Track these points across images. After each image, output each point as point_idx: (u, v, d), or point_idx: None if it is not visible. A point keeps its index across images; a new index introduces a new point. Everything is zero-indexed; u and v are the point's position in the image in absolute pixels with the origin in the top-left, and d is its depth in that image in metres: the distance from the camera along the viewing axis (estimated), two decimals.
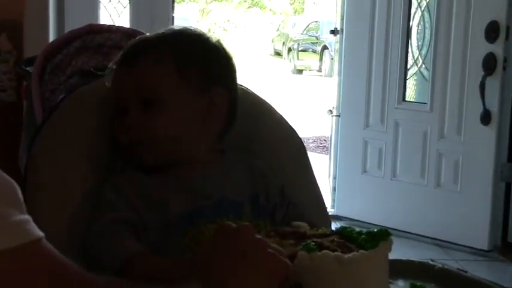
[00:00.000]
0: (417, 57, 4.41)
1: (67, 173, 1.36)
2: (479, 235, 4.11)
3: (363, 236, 1.05)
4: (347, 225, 1.12)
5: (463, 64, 4.11)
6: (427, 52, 4.33)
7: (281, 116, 1.60)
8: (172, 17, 3.98)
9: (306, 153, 1.61)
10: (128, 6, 3.85)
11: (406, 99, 4.47)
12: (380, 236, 1.05)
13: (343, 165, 4.72)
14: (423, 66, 4.38)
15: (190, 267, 1.00)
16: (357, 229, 1.10)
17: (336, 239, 1.06)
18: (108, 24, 2.14)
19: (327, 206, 1.70)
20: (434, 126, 4.29)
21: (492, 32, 3.95)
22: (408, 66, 4.44)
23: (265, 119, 1.56)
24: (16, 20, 3.42)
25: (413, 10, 4.38)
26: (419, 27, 4.39)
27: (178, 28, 1.41)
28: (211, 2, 26.63)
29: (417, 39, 4.41)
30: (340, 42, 4.70)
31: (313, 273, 1.01)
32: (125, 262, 1.16)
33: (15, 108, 3.28)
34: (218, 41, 1.40)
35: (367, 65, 4.50)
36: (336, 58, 4.88)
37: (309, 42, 18.70)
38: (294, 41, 19.50)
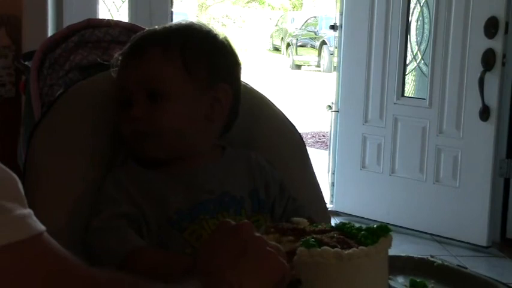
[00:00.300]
0: (416, 53, 4.41)
1: (66, 168, 1.36)
2: (478, 231, 4.11)
3: (363, 232, 1.05)
4: (347, 221, 1.11)
5: (462, 60, 4.11)
6: (426, 47, 4.33)
7: (281, 111, 1.60)
8: (171, 12, 3.97)
9: (306, 149, 1.60)
10: (127, 1, 3.84)
11: (405, 94, 4.46)
12: (380, 232, 1.05)
13: (342, 160, 4.72)
14: (422, 61, 4.37)
15: (191, 262, 1.00)
16: (357, 225, 1.10)
17: (335, 235, 1.06)
18: (107, 19, 2.13)
19: (325, 201, 1.70)
20: (433, 122, 4.28)
21: (491, 27, 3.94)
22: (407, 62, 4.44)
23: (264, 114, 1.56)
24: (15, 14, 3.42)
25: (412, 5, 4.38)
26: (419, 23, 4.39)
27: (186, 23, 1.40)
28: None
29: (416, 34, 4.41)
30: (339, 38, 4.69)
31: (312, 269, 1.01)
32: (126, 257, 1.16)
33: (14, 103, 3.28)
34: (225, 38, 1.40)
35: (366, 60, 4.49)
36: (335, 54, 4.87)
37: (307, 37, 18.70)
38: (292, 36, 19.49)
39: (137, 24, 1.77)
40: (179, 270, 1.02)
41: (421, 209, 4.35)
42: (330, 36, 14.19)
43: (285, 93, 11.44)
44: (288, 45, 19.62)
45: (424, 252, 3.84)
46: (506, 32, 3.93)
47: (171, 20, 3.95)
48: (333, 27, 4.79)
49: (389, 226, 1.08)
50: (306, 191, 1.53)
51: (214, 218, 1.28)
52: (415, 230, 4.31)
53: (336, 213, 4.57)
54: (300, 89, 13.68)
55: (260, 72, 14.85)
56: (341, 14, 4.64)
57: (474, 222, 4.12)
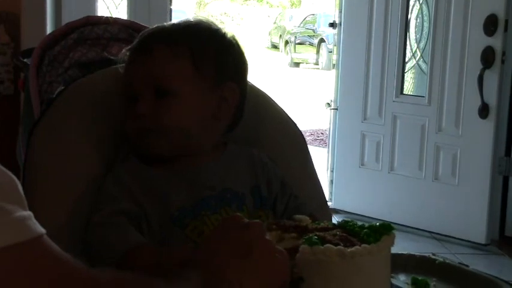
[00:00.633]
0: (415, 50, 4.40)
1: (66, 166, 1.35)
2: (477, 229, 4.11)
3: (365, 230, 1.05)
4: (349, 219, 1.11)
5: (461, 57, 4.10)
6: (426, 45, 4.32)
7: (282, 109, 1.60)
8: (170, 9, 3.97)
9: (307, 147, 1.61)
10: None
11: (404, 92, 4.46)
12: (382, 230, 1.05)
13: (341, 158, 4.71)
14: (421, 59, 4.37)
15: (191, 256, 0.99)
16: (359, 223, 1.10)
17: (338, 233, 1.06)
18: (105, 16, 2.13)
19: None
20: (432, 120, 4.28)
21: (490, 25, 3.94)
22: (406, 59, 4.43)
23: (267, 112, 1.56)
24: (13, 12, 3.41)
25: (411, 3, 4.37)
26: (418, 20, 4.38)
27: (195, 21, 1.39)
28: None
29: (415, 32, 4.40)
30: (339, 35, 4.69)
31: (315, 267, 1.01)
32: (125, 253, 1.15)
33: (13, 100, 3.28)
34: (233, 37, 1.39)
35: (365, 58, 4.49)
36: (334, 51, 4.86)
37: (306, 35, 18.69)
38: (291, 34, 19.48)
39: (136, 21, 1.76)
40: (180, 265, 1.01)
41: (420, 207, 4.35)
42: (329, 33, 14.22)
43: (283, 91, 11.43)
44: (287, 42, 19.61)
45: (423, 250, 3.84)
46: (505, 29, 3.93)
47: (170, 17, 3.95)
48: (332, 24, 4.79)
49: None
50: (307, 188, 1.53)
51: (217, 213, 1.28)
52: (414, 228, 4.31)
53: (335, 211, 4.56)
54: (299, 86, 13.68)
55: (258, 70, 14.84)
56: (340, 12, 4.63)
57: (473, 220, 4.12)
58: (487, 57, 3.96)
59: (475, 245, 4.12)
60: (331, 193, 4.71)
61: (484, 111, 4.01)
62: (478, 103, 4.01)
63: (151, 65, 1.29)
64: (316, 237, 1.03)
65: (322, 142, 8.09)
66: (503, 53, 3.95)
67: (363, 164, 4.59)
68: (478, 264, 3.68)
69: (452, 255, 3.84)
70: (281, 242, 1.06)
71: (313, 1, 25.00)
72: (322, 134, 8.61)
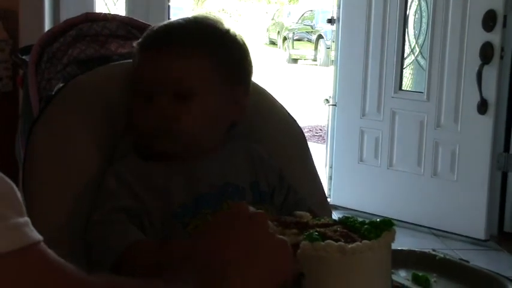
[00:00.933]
0: (414, 46, 4.40)
1: (66, 164, 1.34)
2: (476, 224, 4.12)
3: (366, 226, 1.05)
4: (350, 215, 1.11)
5: (460, 53, 4.10)
6: (424, 41, 4.32)
7: (282, 106, 1.60)
8: (168, 6, 3.97)
9: (307, 143, 1.61)
10: None
11: (403, 88, 4.46)
12: (383, 226, 1.05)
13: (340, 154, 4.71)
14: (420, 55, 4.37)
15: (191, 252, 0.97)
16: (360, 219, 1.09)
17: (338, 229, 1.06)
18: (104, 12, 2.12)
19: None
20: (431, 116, 4.28)
21: (489, 20, 3.94)
22: (405, 55, 4.43)
23: (267, 109, 1.56)
24: (11, 9, 3.41)
25: None
26: (416, 16, 4.38)
27: (209, 18, 1.37)
28: None
29: (414, 28, 4.40)
30: (337, 31, 4.68)
31: (316, 263, 1.01)
32: (125, 251, 1.15)
33: (11, 97, 3.28)
34: (241, 37, 1.39)
35: (364, 54, 4.48)
36: (333, 47, 4.86)
37: (304, 31, 18.68)
38: (289, 30, 19.46)
39: (134, 18, 1.76)
40: (180, 262, 1.00)
41: (418, 203, 4.35)
42: (327, 30, 14.18)
43: (281, 87, 11.42)
44: (285, 39, 19.60)
45: (421, 245, 3.84)
46: (504, 25, 3.93)
47: (168, 14, 3.95)
48: (330, 20, 4.78)
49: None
50: (307, 183, 1.53)
51: (218, 210, 1.27)
52: (413, 224, 4.30)
53: (334, 207, 4.56)
54: (297, 82, 13.67)
55: (257, 66, 14.79)
56: (339, 8, 4.63)
57: (472, 215, 4.12)
58: (486, 53, 3.96)
59: (473, 241, 4.12)
60: (329, 189, 4.71)
61: (482, 107, 4.01)
62: (477, 99, 4.01)
63: (172, 65, 1.27)
64: (316, 233, 1.03)
65: (320, 138, 8.09)
66: (502, 49, 3.95)
67: (361, 160, 4.59)
68: (477, 259, 3.66)
69: (451, 251, 3.84)
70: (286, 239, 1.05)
71: None
72: (320, 130, 8.61)
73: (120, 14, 1.83)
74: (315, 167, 1.61)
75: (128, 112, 1.36)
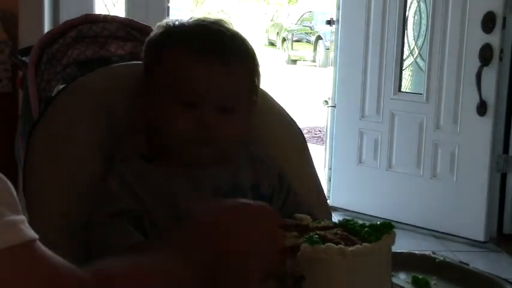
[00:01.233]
0: (413, 48, 4.40)
1: (67, 166, 1.34)
2: (475, 226, 4.12)
3: (366, 229, 1.05)
4: (350, 218, 1.11)
5: (459, 55, 4.10)
6: (423, 42, 4.32)
7: (282, 108, 1.60)
8: (168, 7, 3.97)
9: (307, 145, 1.61)
10: None
11: (402, 89, 4.46)
12: (383, 229, 1.05)
13: (339, 155, 4.71)
14: (419, 56, 4.37)
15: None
16: (360, 222, 1.09)
17: (339, 231, 1.06)
18: (104, 14, 2.12)
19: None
20: (430, 117, 4.28)
21: (488, 22, 3.94)
22: (404, 57, 4.43)
23: (267, 111, 1.55)
24: (11, 10, 3.41)
25: (409, 0, 4.37)
26: (416, 18, 4.38)
27: (232, 30, 1.36)
28: None
29: (413, 29, 4.40)
30: (336, 33, 4.68)
31: (316, 265, 1.01)
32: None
33: (11, 98, 3.28)
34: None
35: (363, 55, 4.49)
36: (332, 48, 4.86)
37: (303, 32, 18.69)
38: (288, 31, 19.47)
39: (134, 19, 1.76)
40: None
41: (418, 204, 4.35)
42: (326, 31, 14.18)
43: (280, 88, 11.42)
44: (284, 40, 19.61)
45: (420, 247, 3.85)
46: (503, 26, 3.93)
47: (168, 15, 3.94)
48: (330, 22, 4.78)
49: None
50: (306, 184, 1.53)
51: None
52: (412, 225, 4.31)
53: (333, 209, 4.55)
54: (296, 84, 13.67)
55: None
56: (338, 9, 4.63)
57: (471, 217, 4.12)
58: (485, 55, 3.96)
59: (473, 242, 4.12)
60: (329, 191, 4.71)
61: (482, 108, 4.01)
62: (476, 100, 4.01)
63: (228, 80, 1.28)
64: (317, 236, 1.03)
65: (319, 139, 8.09)
66: (501, 50, 3.96)
67: (360, 162, 4.60)
68: (476, 261, 3.68)
69: (450, 253, 3.84)
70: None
71: None
72: (319, 131, 8.61)
73: (119, 16, 1.83)
74: (315, 169, 1.61)
75: (139, 113, 1.34)
